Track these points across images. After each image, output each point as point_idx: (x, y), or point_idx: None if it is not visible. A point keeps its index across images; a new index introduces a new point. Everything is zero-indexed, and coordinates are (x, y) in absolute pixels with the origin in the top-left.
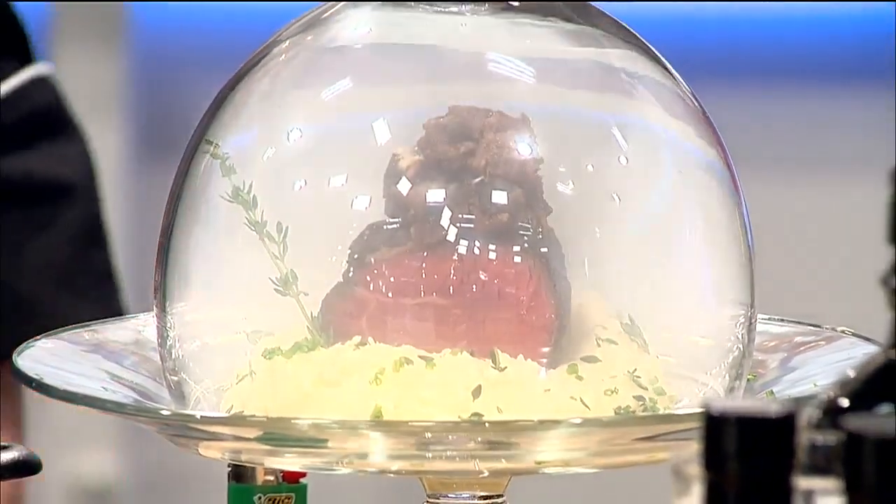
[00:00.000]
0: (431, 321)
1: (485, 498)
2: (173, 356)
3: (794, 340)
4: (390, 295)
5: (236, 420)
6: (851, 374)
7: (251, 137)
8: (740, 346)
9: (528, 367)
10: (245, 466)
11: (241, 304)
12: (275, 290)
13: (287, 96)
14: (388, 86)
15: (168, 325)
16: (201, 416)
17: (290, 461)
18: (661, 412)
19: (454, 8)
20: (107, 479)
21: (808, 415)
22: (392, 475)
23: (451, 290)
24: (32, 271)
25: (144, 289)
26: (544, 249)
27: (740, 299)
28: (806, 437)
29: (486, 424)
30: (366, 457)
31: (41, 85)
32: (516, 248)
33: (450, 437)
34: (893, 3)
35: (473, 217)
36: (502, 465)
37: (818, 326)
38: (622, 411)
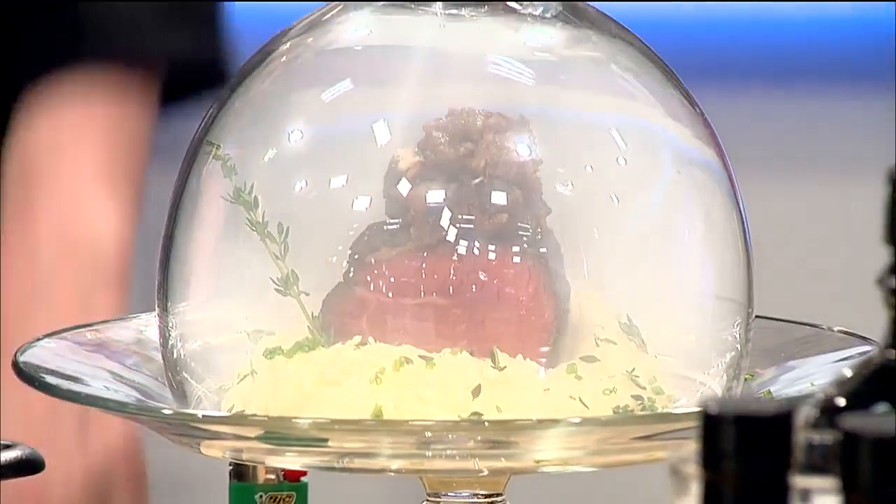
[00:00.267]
0: (431, 321)
1: (484, 497)
2: (175, 356)
3: (791, 340)
4: (390, 295)
5: (237, 419)
6: (848, 373)
7: (252, 139)
8: (738, 345)
9: (527, 367)
10: (246, 465)
11: (243, 304)
12: (276, 290)
13: (288, 98)
14: (389, 88)
15: (170, 324)
16: (203, 416)
17: (290, 460)
18: (659, 411)
19: (454, 10)
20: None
21: (806, 414)
22: (392, 474)
23: (451, 291)
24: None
25: (147, 289)
26: (543, 250)
27: (738, 299)
28: (803, 436)
29: (486, 423)
30: (366, 456)
31: None
32: (515, 249)
33: (450, 436)
34: (894, 3)
35: (473, 218)
36: (502, 463)
37: (815, 326)
38: (621, 411)
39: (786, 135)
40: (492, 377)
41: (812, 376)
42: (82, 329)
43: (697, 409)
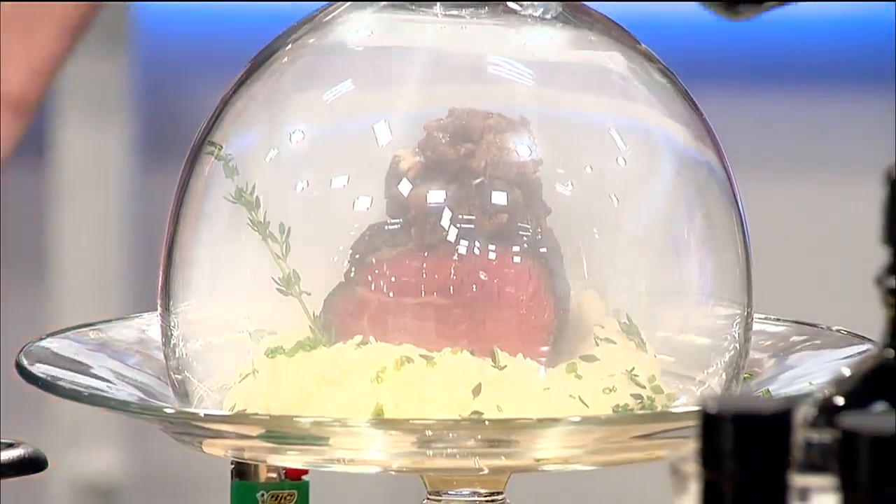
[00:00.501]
0: (432, 320)
1: (485, 495)
2: (177, 355)
3: (790, 339)
4: (391, 295)
5: (239, 418)
6: (847, 372)
7: (254, 139)
8: (737, 345)
9: (527, 366)
10: (248, 464)
11: (244, 303)
12: (277, 289)
13: (289, 98)
14: (389, 88)
15: (172, 324)
16: (205, 415)
17: (292, 458)
18: (658, 410)
19: (454, 11)
20: (111, 477)
21: (804, 413)
22: (393, 472)
23: (452, 290)
24: None
25: (149, 288)
26: (543, 250)
27: (737, 299)
28: (802, 435)
29: (486, 422)
30: (367, 454)
31: None
32: (516, 249)
33: (450, 434)
34: (894, 3)
35: (473, 218)
36: (502, 462)
37: (814, 326)
38: (620, 409)
39: (785, 135)
40: (492, 376)
41: (811, 375)
42: (84, 328)
43: (697, 408)
